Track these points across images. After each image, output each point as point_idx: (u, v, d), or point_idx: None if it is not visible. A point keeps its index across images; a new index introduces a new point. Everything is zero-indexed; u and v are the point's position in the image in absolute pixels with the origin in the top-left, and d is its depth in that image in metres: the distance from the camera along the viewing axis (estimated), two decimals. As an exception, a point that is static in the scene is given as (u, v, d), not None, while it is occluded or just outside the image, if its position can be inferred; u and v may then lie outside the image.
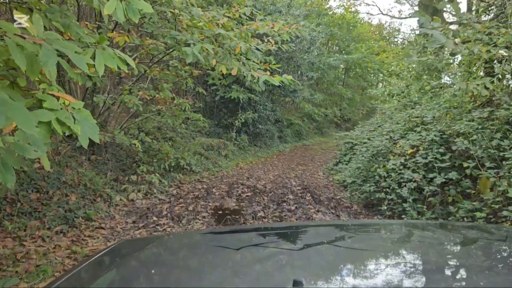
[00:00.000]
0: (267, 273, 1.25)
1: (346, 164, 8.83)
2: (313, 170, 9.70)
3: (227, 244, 1.60)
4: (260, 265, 1.33)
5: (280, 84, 12.50)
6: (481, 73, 5.50)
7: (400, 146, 5.52)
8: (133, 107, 5.12)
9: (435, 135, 4.86)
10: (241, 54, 6.53)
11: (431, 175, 4.54)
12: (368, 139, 9.20)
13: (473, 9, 21.91)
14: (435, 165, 4.55)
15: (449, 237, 1.73)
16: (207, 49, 4.92)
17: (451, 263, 1.32)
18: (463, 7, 23.58)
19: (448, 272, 1.21)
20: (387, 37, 33.86)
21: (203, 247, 1.62)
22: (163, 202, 5.89)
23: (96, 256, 1.44)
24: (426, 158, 4.72)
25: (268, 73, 5.41)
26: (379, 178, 5.53)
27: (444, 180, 4.36)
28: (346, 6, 26.52)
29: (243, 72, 5.55)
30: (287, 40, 7.01)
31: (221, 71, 5.97)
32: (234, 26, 5.92)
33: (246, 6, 6.18)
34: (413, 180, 4.69)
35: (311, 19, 17.42)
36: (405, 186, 4.72)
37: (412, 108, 9.33)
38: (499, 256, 1.44)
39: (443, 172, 4.48)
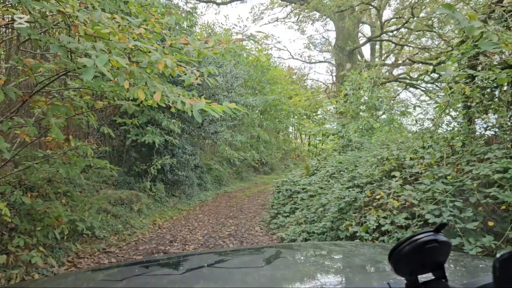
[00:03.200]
0: None
1: (287, 216, 7.46)
2: (247, 224, 8.16)
3: (110, 278, 1.65)
4: None
5: (200, 124, 10.69)
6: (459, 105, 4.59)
7: (380, 197, 4.30)
8: (-6, 152, 3.23)
9: (443, 182, 3.69)
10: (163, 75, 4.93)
11: (454, 241, 3.29)
12: (309, 184, 8.03)
13: (376, 54, 23.01)
14: (457, 226, 3.31)
15: (314, 256, 1.98)
16: (116, 62, 3.32)
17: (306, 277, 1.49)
18: (367, 52, 24.76)
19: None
20: (297, 82, 34.71)
21: (87, 282, 1.61)
22: (47, 296, 3.89)
23: None
24: (440, 215, 3.49)
25: (203, 99, 3.90)
26: (359, 241, 4.19)
27: (479, 249, 3.13)
28: (260, 49, 26.49)
29: (169, 99, 4.01)
30: (214, 73, 5.54)
31: (133, 99, 4.39)
32: (154, 41, 4.37)
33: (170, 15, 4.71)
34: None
35: (230, 57, 16.43)
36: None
37: (353, 150, 8.43)
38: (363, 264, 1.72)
39: (469, 235, 3.26)
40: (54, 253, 5.02)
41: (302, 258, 1.88)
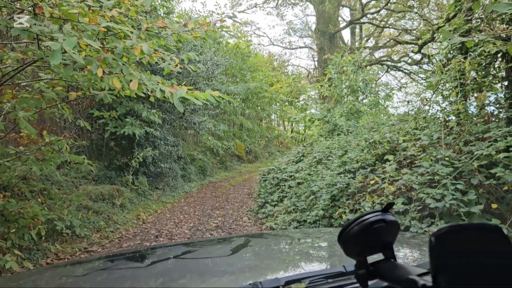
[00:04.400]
0: None
1: (276, 205, 7.27)
2: (234, 215, 7.95)
3: (73, 274, 1.60)
4: (109, 283, 1.35)
5: (181, 114, 10.29)
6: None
7: (374, 182, 4.12)
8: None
9: (442, 163, 3.52)
10: (142, 64, 4.63)
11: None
12: (297, 171, 7.86)
13: (357, 38, 22.92)
14: (461, 210, 3.15)
15: (282, 243, 1.98)
16: (88, 47, 3.04)
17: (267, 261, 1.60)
18: (347, 34, 24.68)
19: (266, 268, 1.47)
20: (278, 68, 34.41)
21: (46, 280, 1.55)
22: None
23: None
24: (441, 199, 3.33)
25: (185, 87, 3.67)
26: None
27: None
28: (239, 35, 26.08)
29: (147, 87, 3.74)
30: (194, 59, 5.27)
31: (110, 90, 4.09)
32: (128, 25, 4.06)
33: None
34: (429, 233, 3.26)
35: (209, 45, 16.00)
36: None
37: (339, 134, 8.28)
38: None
39: (473, 219, 3.10)
40: (31, 256, 4.72)
41: (270, 246, 1.91)
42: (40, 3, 3.14)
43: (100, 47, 3.15)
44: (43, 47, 3.85)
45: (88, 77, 4.21)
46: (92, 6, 3.53)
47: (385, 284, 0.91)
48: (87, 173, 8.64)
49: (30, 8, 3.32)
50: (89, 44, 2.95)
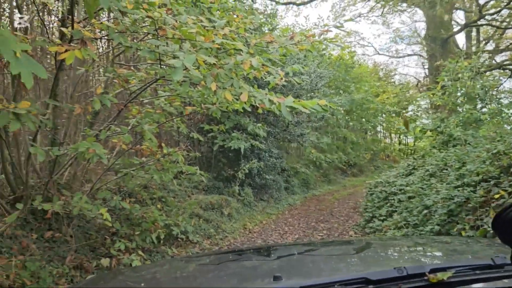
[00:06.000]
0: (249, 275, 1.42)
1: (384, 220, 6.94)
2: (340, 228, 7.79)
3: (207, 263, 1.76)
4: (241, 271, 1.50)
5: (285, 127, 10.44)
6: None
7: (500, 196, 3.74)
8: (92, 159, 3.33)
9: None
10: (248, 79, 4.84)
11: None
12: (407, 184, 7.44)
13: (473, 41, 21.01)
14: None
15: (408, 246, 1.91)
16: (205, 64, 3.27)
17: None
18: (462, 38, 22.82)
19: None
20: (384, 78, 33.08)
21: (187, 268, 1.68)
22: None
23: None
24: None
25: (291, 97, 3.77)
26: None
27: None
28: (343, 46, 25.69)
29: (255, 99, 3.89)
30: (299, 71, 5.30)
31: (220, 102, 4.33)
32: (238, 41, 4.27)
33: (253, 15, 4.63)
34: None
35: (312, 58, 16.10)
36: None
37: (456, 145, 7.66)
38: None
39: None
40: (152, 257, 5.15)
41: (393, 249, 1.86)
42: (163, 26, 3.48)
43: (215, 62, 3.37)
44: (164, 67, 4.22)
45: (202, 92, 4.53)
46: (206, 26, 3.80)
47: None
48: (198, 183, 9.19)
49: (154, 31, 3.70)
50: (205, 60, 3.18)
